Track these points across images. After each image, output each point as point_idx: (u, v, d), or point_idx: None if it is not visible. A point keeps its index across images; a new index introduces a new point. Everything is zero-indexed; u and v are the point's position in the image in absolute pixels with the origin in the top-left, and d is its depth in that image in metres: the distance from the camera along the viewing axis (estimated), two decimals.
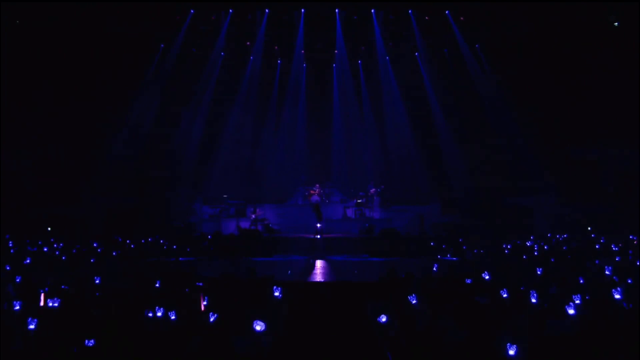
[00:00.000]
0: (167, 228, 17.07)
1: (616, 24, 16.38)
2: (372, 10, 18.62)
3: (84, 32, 17.36)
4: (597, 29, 17.09)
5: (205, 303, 6.30)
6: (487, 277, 7.91)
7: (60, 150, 18.61)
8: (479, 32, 18.61)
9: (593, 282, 7.25)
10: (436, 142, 20.53)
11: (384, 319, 5.79)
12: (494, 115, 19.54)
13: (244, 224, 17.16)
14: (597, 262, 9.66)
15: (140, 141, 19.39)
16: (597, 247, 12.96)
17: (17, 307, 5.73)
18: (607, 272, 7.87)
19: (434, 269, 8.36)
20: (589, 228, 16.61)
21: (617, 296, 5.93)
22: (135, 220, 17.59)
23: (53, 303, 5.83)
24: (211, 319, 5.54)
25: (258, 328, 5.03)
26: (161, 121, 19.65)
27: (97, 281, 7.13)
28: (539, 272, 8.23)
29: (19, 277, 7.48)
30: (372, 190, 18.52)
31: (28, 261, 10.24)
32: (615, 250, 12.24)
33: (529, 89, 18.75)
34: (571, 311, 5.52)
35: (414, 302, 6.37)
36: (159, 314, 5.61)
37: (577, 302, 5.80)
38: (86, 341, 4.66)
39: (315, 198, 19.08)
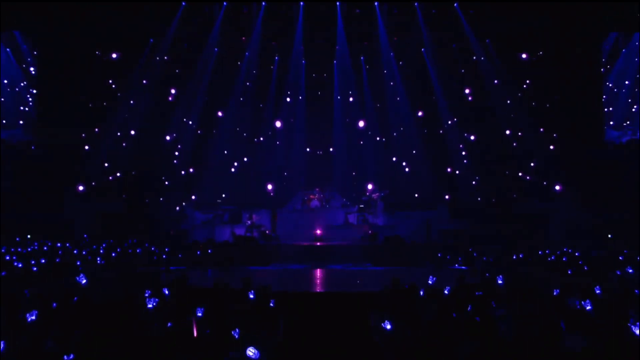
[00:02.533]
0: (157, 235, 16.99)
1: None
2: (376, 3, 18.61)
3: (71, 27, 17.39)
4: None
5: (200, 315, 6.23)
6: (500, 282, 7.87)
7: (44, 152, 18.56)
8: (489, 25, 18.57)
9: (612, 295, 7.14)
10: (443, 143, 20.47)
11: (388, 326, 5.71)
12: (505, 116, 19.49)
13: (239, 231, 17.09)
14: (618, 272, 9.55)
15: (129, 143, 19.34)
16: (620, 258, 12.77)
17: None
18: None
19: (430, 281, 8.32)
20: (610, 236, 16.48)
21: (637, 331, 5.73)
22: (123, 227, 17.51)
23: (30, 316, 5.74)
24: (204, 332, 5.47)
25: (250, 354, 4.87)
26: (151, 121, 19.57)
27: (75, 299, 7.05)
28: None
29: None
30: (376, 194, 18.46)
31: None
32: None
33: (544, 87, 18.73)
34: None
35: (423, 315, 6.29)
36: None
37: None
38: (65, 357, 4.58)
39: (315, 203, 19.03)
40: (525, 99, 19.36)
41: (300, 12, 18.69)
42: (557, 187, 18.00)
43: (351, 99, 20.97)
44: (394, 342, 5.69)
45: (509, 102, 19.37)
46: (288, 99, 20.98)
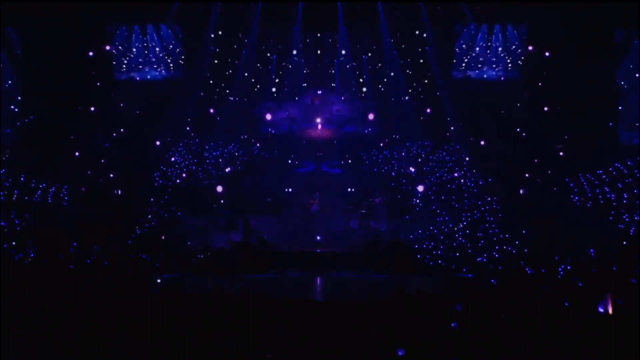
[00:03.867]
0: (149, 241, 16.92)
1: None
2: (379, 3, 18.67)
3: (59, 19, 17.42)
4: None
5: None
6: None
7: (27, 150, 18.55)
8: (498, 22, 18.61)
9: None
10: (449, 144, 20.42)
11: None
12: (515, 115, 19.47)
13: (236, 237, 17.05)
14: (633, 281, 9.51)
15: (120, 145, 19.32)
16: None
17: None
18: None
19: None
20: (625, 242, 16.40)
21: None
22: (113, 232, 17.43)
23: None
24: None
25: None
26: (143, 121, 19.53)
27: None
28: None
29: None
30: (378, 199, 18.45)
31: None
32: None
33: (556, 85, 18.71)
34: None
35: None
36: None
37: None
38: None
39: (315, 207, 19.00)
40: (535, 99, 19.34)
41: (300, 10, 18.71)
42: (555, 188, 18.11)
43: (351, 99, 20.95)
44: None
45: (520, 96, 19.36)
46: (287, 99, 20.96)
